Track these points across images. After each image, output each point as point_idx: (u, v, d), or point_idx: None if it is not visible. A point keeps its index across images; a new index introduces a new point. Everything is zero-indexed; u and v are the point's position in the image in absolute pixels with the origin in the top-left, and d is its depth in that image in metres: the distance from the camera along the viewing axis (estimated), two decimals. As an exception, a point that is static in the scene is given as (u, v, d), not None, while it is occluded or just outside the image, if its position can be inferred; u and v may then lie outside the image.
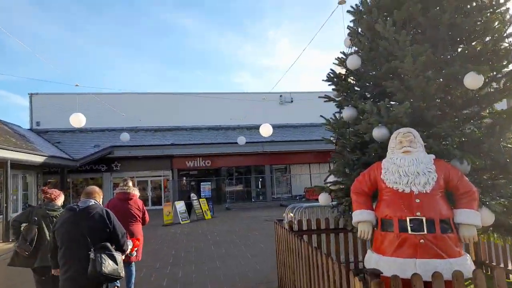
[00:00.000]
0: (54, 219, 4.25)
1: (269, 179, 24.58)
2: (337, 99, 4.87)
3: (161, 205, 20.80)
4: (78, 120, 12.57)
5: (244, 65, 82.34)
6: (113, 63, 76.00)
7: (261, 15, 77.35)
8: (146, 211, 5.85)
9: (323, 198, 4.54)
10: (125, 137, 18.73)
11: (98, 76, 72.89)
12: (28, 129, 21.75)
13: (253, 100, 23.21)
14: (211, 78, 75.23)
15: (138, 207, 5.72)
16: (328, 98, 5.06)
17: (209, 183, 20.57)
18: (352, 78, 4.68)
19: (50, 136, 21.62)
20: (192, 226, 13.62)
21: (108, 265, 3.07)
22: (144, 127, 23.55)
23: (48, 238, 4.20)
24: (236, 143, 20.61)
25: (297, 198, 24.47)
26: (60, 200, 4.77)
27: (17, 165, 15.28)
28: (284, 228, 5.32)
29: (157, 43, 71.34)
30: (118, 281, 5.22)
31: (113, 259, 3.15)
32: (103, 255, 3.07)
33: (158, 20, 68.91)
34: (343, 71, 4.80)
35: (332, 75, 4.86)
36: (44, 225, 4.38)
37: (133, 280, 5.48)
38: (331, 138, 4.95)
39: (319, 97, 5.21)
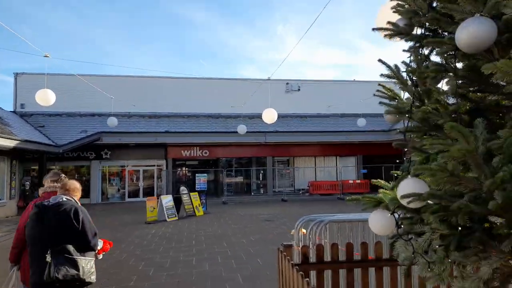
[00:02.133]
0: None
1: (271, 171, 22.13)
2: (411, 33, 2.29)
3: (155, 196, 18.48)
4: (45, 98, 10.06)
5: (251, 60, 79.54)
6: (119, 54, 73.48)
7: (270, 9, 74.28)
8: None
9: (380, 222, 2.13)
10: (112, 121, 16.29)
11: (100, 66, 70.40)
12: (12, 111, 19.37)
13: (255, 85, 20.64)
14: (216, 70, 72.56)
15: None
16: (394, 31, 2.35)
17: (205, 174, 18.13)
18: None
19: (35, 120, 19.22)
20: (179, 225, 11.22)
21: (63, 270, 2.60)
22: (138, 112, 21.07)
23: None
24: (236, 132, 18.18)
25: (300, 192, 22.06)
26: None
27: (-16, 150, 12.95)
28: (291, 262, 2.87)
29: (165, 34, 68.64)
30: None
31: (72, 263, 2.66)
32: (59, 259, 2.63)
33: (166, 11, 66.11)
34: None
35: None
36: None
37: None
38: (396, 103, 2.46)
39: (374, 28, 2.51)
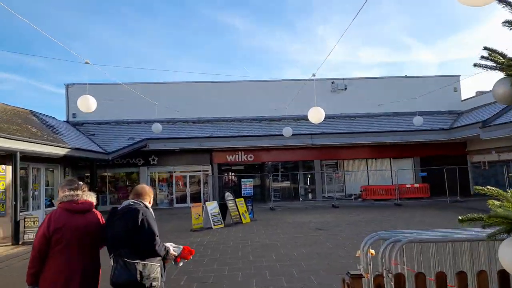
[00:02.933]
0: None
1: (319, 175, 21.03)
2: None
3: (201, 202, 18.28)
4: (86, 104, 9.99)
5: (294, 63, 78.60)
6: (161, 62, 76.12)
7: (310, 11, 73.03)
8: None
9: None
10: (156, 128, 16.28)
11: (149, 77, 73.28)
12: (65, 121, 20.20)
13: (299, 85, 19.75)
14: (259, 75, 72.42)
15: (99, 223, 3.14)
16: None
17: (251, 179, 17.55)
18: None
19: (86, 128, 19.88)
20: (224, 233, 10.64)
21: (119, 274, 2.56)
22: (182, 118, 21.05)
23: None
24: (282, 135, 17.43)
25: (352, 197, 20.72)
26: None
27: (39, 158, 13.35)
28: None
29: (207, 43, 70.05)
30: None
31: (131, 267, 2.56)
32: (119, 262, 2.60)
33: (207, 20, 67.47)
34: None
35: None
36: None
37: None
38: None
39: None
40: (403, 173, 20.71)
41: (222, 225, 11.87)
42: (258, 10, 72.74)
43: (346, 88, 22.26)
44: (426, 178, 20.61)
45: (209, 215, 11.67)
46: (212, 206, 11.98)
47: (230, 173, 21.80)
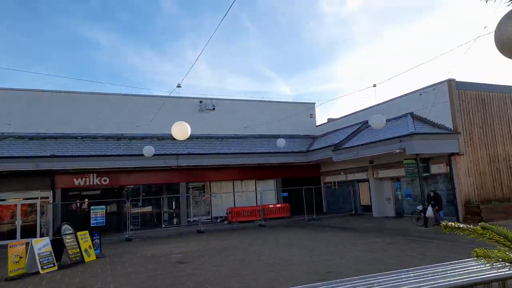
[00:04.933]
0: None
1: (185, 199, 19.49)
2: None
3: (37, 237, 14.43)
4: None
5: (162, 83, 76.02)
6: (8, 74, 63.41)
7: (179, 35, 72.37)
8: None
9: None
10: (-30, 142, 12.21)
11: (-16, 82, 59.99)
12: None
13: (164, 102, 18.20)
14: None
15: None
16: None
17: (103, 207, 14.78)
18: None
19: None
20: (55, 280, 8.01)
21: None
22: (15, 133, 16.75)
23: None
24: (143, 155, 15.41)
25: (218, 221, 19.79)
26: None
27: None
28: None
29: (64, 55, 61.51)
30: None
31: None
32: None
33: (65, 31, 59.49)
34: None
35: None
36: None
37: None
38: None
39: None
40: (266, 193, 21.00)
41: (55, 268, 9.10)
42: (124, 27, 68.27)
43: (214, 109, 21.71)
44: (286, 198, 21.37)
45: (36, 255, 8.80)
46: (42, 244, 9.10)
47: (79, 200, 18.21)
